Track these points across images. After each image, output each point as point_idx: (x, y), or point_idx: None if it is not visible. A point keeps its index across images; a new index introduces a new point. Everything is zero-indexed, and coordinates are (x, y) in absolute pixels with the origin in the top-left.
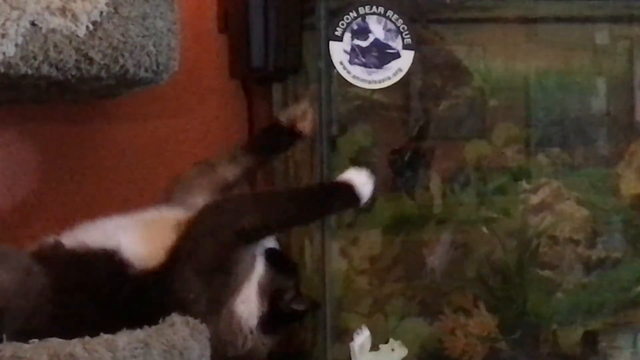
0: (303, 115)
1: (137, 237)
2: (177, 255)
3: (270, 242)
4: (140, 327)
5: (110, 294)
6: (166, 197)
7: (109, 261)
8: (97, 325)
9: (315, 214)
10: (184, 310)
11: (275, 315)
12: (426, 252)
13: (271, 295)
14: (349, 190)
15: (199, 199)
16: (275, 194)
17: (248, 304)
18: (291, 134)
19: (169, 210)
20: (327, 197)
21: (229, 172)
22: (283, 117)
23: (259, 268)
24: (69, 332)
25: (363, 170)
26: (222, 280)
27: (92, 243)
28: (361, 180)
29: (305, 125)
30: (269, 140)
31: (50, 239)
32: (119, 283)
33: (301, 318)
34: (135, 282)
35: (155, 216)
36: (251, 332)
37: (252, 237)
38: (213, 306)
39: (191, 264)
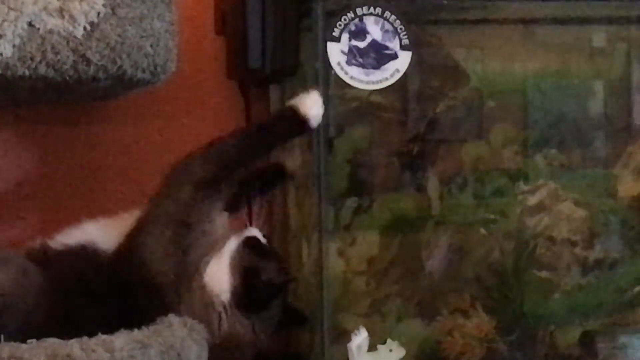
0: (313, 102)
1: (106, 225)
2: (139, 224)
3: (254, 231)
4: (127, 309)
5: (93, 283)
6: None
7: (86, 254)
8: (91, 319)
9: (265, 147)
10: (153, 278)
11: (250, 290)
12: (424, 255)
13: (244, 269)
14: (294, 114)
15: (218, 219)
16: (223, 139)
17: (219, 277)
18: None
19: None
20: (273, 129)
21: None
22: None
23: (232, 245)
24: (65, 329)
25: (311, 92)
26: (187, 241)
27: (71, 241)
28: (308, 103)
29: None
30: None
31: (38, 242)
32: (98, 272)
33: (278, 293)
34: (109, 265)
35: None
36: (224, 308)
37: (209, 184)
38: (182, 273)
39: (155, 228)
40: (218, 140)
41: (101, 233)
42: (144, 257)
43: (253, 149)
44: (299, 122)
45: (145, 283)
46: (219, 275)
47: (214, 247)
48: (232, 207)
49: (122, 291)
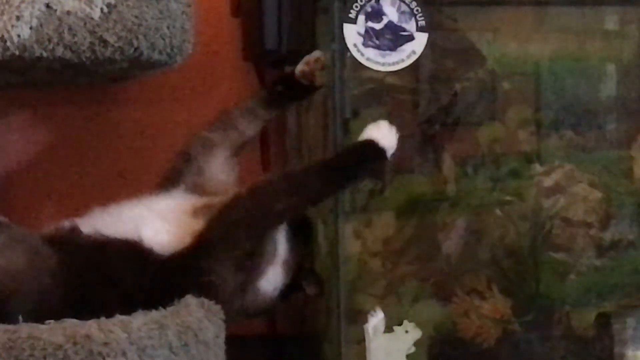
0: (316, 63)
1: (157, 226)
2: (206, 239)
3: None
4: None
5: (131, 281)
6: (184, 160)
7: (129, 251)
8: (109, 308)
9: (347, 181)
10: (208, 293)
11: (291, 286)
12: (440, 236)
13: (295, 272)
14: (372, 146)
15: (221, 159)
16: (304, 171)
17: (274, 280)
18: (305, 85)
19: (181, 196)
20: (354, 162)
21: (251, 128)
22: (297, 69)
23: (285, 244)
24: (81, 311)
25: (381, 122)
26: (252, 265)
27: (111, 233)
28: (381, 133)
29: (318, 74)
30: (285, 93)
31: (67, 224)
32: (140, 271)
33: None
34: (159, 268)
35: (170, 203)
36: (270, 300)
37: (287, 218)
38: (240, 288)
39: (222, 250)
40: (297, 172)
41: (150, 232)
42: (206, 272)
43: (334, 186)
44: (378, 152)
45: (199, 291)
46: (274, 279)
47: (274, 254)
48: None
49: (165, 292)
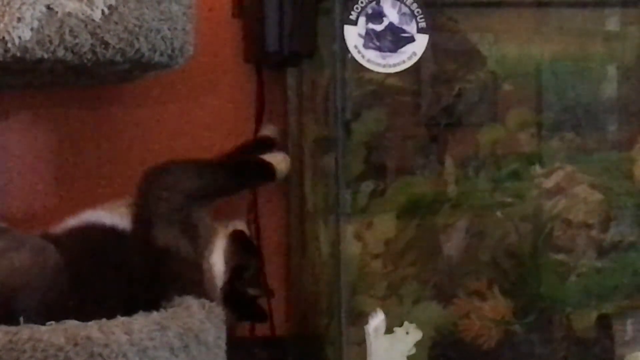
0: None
1: (114, 204)
2: (143, 219)
3: (239, 225)
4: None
5: (112, 259)
6: None
7: (96, 231)
8: (109, 296)
9: (241, 186)
10: (172, 260)
11: (233, 291)
12: (442, 238)
13: (233, 268)
14: (269, 168)
15: None
16: (211, 165)
17: (218, 266)
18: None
19: None
20: (253, 172)
21: None
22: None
23: (222, 241)
24: (83, 308)
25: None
26: (195, 234)
27: (74, 223)
28: (277, 160)
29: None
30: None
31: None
32: (115, 247)
33: (252, 306)
34: (126, 245)
35: None
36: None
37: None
38: (195, 255)
39: (160, 224)
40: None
41: (105, 214)
42: (162, 245)
43: (231, 187)
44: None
45: (167, 264)
46: (218, 264)
47: (210, 238)
48: None
49: (142, 269)
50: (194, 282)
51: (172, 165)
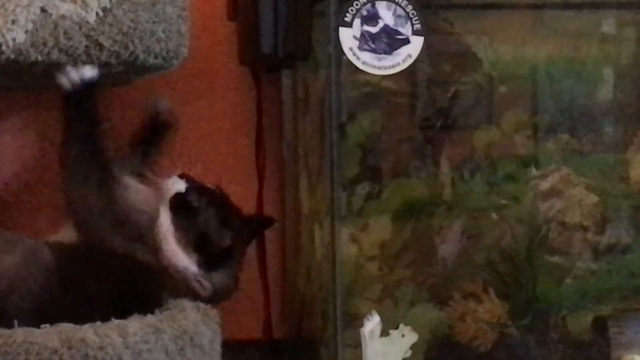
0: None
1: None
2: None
3: (176, 185)
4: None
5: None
6: None
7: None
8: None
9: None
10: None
11: (209, 256)
12: (437, 240)
13: (196, 243)
14: None
15: None
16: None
17: (177, 255)
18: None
19: None
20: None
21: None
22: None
23: (164, 215)
24: (77, 310)
25: None
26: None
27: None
28: None
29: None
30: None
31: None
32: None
33: (232, 251)
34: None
35: None
36: (195, 277)
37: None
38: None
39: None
40: None
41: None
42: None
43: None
44: None
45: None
46: (177, 253)
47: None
48: None
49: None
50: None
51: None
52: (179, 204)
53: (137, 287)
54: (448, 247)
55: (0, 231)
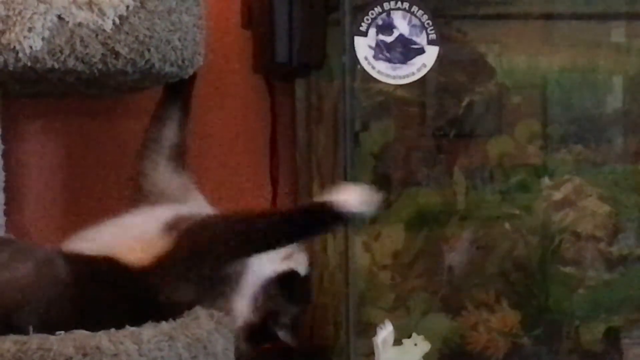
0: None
1: (131, 243)
2: (164, 259)
3: (297, 260)
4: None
5: (116, 293)
6: (138, 194)
7: (110, 265)
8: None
9: (295, 238)
10: (170, 311)
11: (261, 331)
12: (445, 249)
13: (267, 312)
14: (329, 210)
15: (166, 178)
16: (259, 217)
17: (242, 304)
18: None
19: (155, 211)
20: (306, 222)
21: (172, 133)
22: None
23: (260, 280)
24: (90, 323)
25: (353, 188)
26: (213, 290)
27: (91, 251)
28: (346, 196)
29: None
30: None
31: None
32: (120, 284)
33: (276, 346)
34: (131, 283)
35: (141, 218)
36: (236, 332)
37: (236, 256)
38: (202, 301)
39: (178, 272)
40: (254, 216)
41: (126, 249)
42: (171, 297)
43: (284, 238)
44: (335, 216)
45: (166, 307)
46: (243, 303)
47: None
48: None
49: (142, 303)
50: None
51: (216, 224)
52: (286, 280)
53: (152, 304)
54: (458, 258)
55: (15, 240)
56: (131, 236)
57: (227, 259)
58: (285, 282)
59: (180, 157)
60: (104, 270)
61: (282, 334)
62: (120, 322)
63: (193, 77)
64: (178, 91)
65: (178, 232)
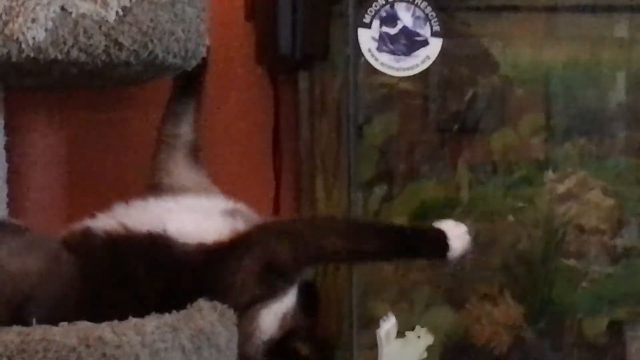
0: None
1: (183, 217)
2: (250, 240)
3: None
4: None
5: (149, 272)
6: (152, 189)
7: (152, 242)
8: (126, 311)
9: (399, 255)
10: (223, 293)
11: (282, 346)
12: None
13: (290, 329)
14: (441, 239)
15: (184, 173)
16: (366, 227)
17: (272, 319)
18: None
19: (211, 198)
20: (417, 243)
21: (186, 125)
22: None
23: (292, 296)
24: (96, 318)
25: (462, 225)
26: (272, 286)
27: (134, 226)
28: (457, 233)
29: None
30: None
31: (79, 226)
32: (161, 261)
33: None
34: (182, 258)
35: (197, 200)
36: (258, 346)
37: (328, 259)
38: (247, 301)
39: (260, 255)
40: (362, 223)
41: (177, 223)
42: (231, 272)
43: (386, 255)
44: (444, 248)
45: (215, 288)
46: (270, 318)
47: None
48: None
49: (185, 283)
50: None
51: (321, 221)
52: (305, 290)
53: (162, 281)
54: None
55: (27, 230)
56: (185, 213)
57: (321, 257)
58: (301, 292)
59: (196, 152)
60: (144, 248)
61: (304, 349)
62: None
63: (204, 71)
64: (192, 86)
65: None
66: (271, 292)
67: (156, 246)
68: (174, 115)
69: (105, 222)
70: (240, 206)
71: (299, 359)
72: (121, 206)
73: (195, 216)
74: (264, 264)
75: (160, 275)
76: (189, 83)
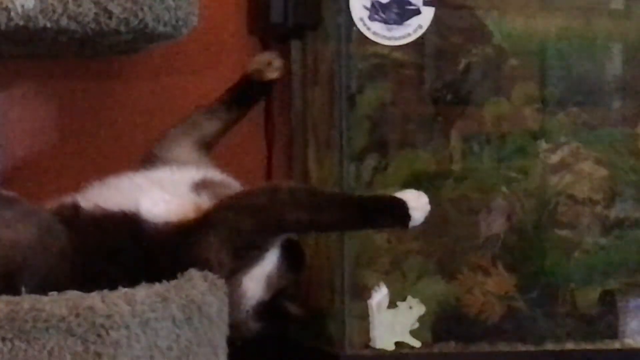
0: (269, 64)
1: (156, 196)
2: (214, 217)
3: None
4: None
5: (129, 252)
6: (147, 158)
7: (127, 221)
8: (114, 284)
9: (361, 225)
10: (199, 267)
11: (271, 307)
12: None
13: (278, 289)
14: (401, 209)
15: (185, 155)
16: (327, 197)
17: (255, 284)
18: (262, 84)
19: (182, 170)
20: (379, 212)
21: (213, 127)
22: (250, 69)
23: (274, 256)
24: (87, 289)
25: (423, 194)
26: (247, 257)
27: (109, 206)
28: (418, 203)
29: (273, 73)
30: (243, 93)
31: (68, 200)
32: (137, 241)
33: (288, 321)
34: (156, 237)
35: (169, 174)
36: (247, 311)
37: (291, 230)
38: (226, 272)
39: (227, 232)
40: (321, 192)
41: (148, 201)
42: (203, 248)
43: (347, 224)
44: (404, 217)
45: (191, 264)
46: (256, 282)
47: (264, 257)
48: None
49: (161, 261)
50: None
51: (282, 189)
52: (289, 247)
53: (141, 259)
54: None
55: (20, 200)
56: (156, 190)
57: (284, 229)
58: (285, 249)
59: (209, 147)
60: (120, 227)
61: (292, 308)
62: (130, 279)
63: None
64: (245, 104)
65: (229, 193)
66: (247, 262)
67: (131, 225)
68: (210, 111)
69: (84, 202)
70: (215, 174)
71: (289, 317)
72: (97, 184)
73: (164, 194)
74: (230, 241)
75: (139, 255)
76: (246, 102)
